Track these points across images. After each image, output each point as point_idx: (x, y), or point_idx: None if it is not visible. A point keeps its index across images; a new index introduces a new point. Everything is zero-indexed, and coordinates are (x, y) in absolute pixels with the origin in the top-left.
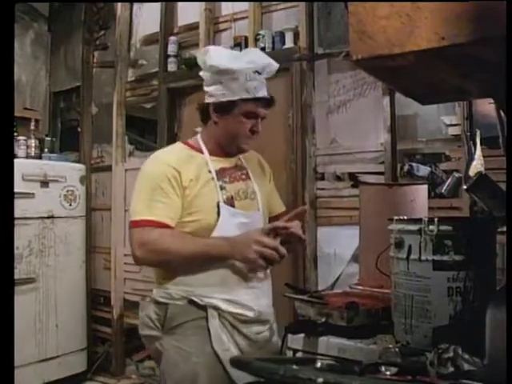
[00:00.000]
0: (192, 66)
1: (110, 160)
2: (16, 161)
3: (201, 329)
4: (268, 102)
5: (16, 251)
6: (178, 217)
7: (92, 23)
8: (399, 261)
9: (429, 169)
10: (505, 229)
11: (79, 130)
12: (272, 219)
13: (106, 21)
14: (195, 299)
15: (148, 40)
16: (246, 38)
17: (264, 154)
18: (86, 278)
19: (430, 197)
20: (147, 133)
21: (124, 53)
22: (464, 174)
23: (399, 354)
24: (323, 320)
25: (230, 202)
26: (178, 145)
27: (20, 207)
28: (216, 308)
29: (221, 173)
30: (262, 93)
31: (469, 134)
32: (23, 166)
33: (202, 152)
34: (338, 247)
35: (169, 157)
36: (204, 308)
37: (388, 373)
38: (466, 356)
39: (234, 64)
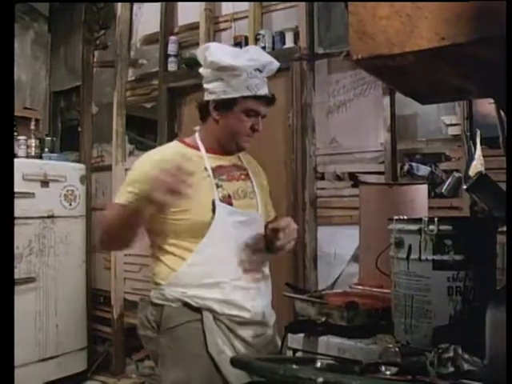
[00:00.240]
0: (192, 65)
1: (110, 160)
2: (16, 160)
3: (196, 331)
4: (269, 101)
5: (16, 251)
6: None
7: (92, 23)
8: (399, 260)
9: (429, 168)
10: (505, 229)
11: (79, 129)
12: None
13: (106, 20)
14: (189, 301)
15: (148, 40)
16: (246, 38)
17: (264, 154)
18: (86, 278)
19: (430, 196)
20: (147, 132)
21: (124, 52)
22: (464, 173)
23: (399, 353)
24: (323, 320)
25: (227, 200)
26: (174, 143)
27: (20, 207)
28: (211, 310)
29: (217, 170)
30: (264, 91)
31: (469, 133)
32: (23, 166)
33: (198, 149)
34: (338, 247)
35: (160, 154)
36: (199, 310)
37: (388, 372)
38: (466, 356)
39: (236, 61)
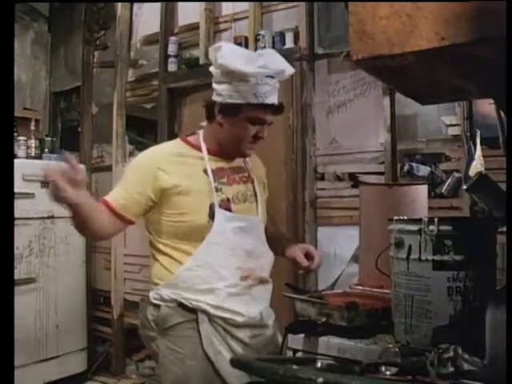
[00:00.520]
0: (192, 66)
1: (110, 160)
2: (16, 161)
3: (192, 331)
4: (276, 109)
5: (16, 251)
6: (132, 206)
7: (92, 23)
8: (399, 261)
9: (429, 169)
10: (505, 229)
11: (79, 130)
12: None
13: (106, 21)
14: (184, 302)
15: (148, 40)
16: (246, 38)
17: (264, 154)
18: (86, 278)
19: (430, 197)
20: (147, 133)
21: (124, 53)
22: (464, 174)
23: (399, 353)
24: (323, 320)
25: (226, 204)
26: (175, 141)
27: (20, 207)
28: (205, 312)
29: (218, 173)
30: (272, 99)
31: (469, 134)
32: (23, 166)
33: (200, 150)
34: (338, 247)
35: (155, 154)
36: (194, 311)
37: (388, 373)
38: (466, 356)
39: (246, 67)
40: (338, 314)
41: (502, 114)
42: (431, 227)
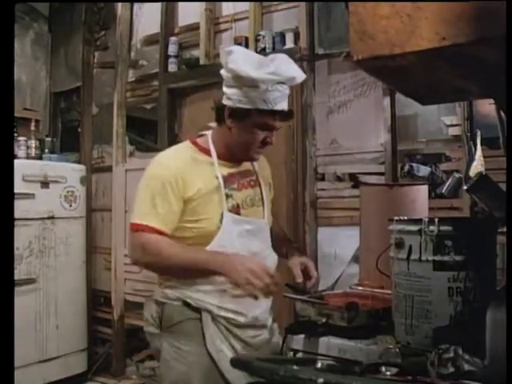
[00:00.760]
0: (192, 66)
1: (111, 160)
2: (16, 161)
3: (196, 329)
4: (286, 115)
5: (16, 252)
6: (175, 223)
7: (92, 23)
8: (399, 261)
9: (429, 169)
10: (505, 229)
11: (79, 130)
12: None
13: (106, 21)
14: (189, 301)
15: (148, 40)
16: (247, 39)
17: (264, 155)
18: (86, 279)
19: (430, 197)
20: (147, 133)
21: (124, 53)
22: (464, 174)
23: (399, 354)
24: (323, 320)
25: (236, 210)
26: (186, 145)
27: (20, 208)
28: (209, 311)
29: (228, 179)
30: (281, 106)
31: (469, 134)
32: (23, 167)
33: (209, 154)
34: (339, 248)
35: (173, 162)
36: (198, 310)
37: (388, 373)
38: (467, 356)
39: (256, 72)
40: (339, 314)
41: (502, 114)
42: (431, 228)
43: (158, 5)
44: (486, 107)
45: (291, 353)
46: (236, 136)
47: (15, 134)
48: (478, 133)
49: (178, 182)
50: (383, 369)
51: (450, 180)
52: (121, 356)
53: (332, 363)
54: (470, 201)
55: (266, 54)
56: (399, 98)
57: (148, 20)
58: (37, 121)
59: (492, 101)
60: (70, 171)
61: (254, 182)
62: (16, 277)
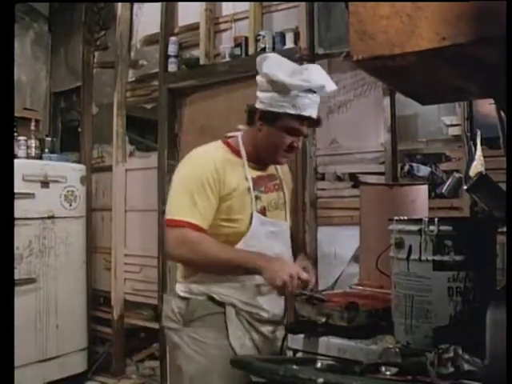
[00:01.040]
0: (192, 66)
1: (111, 160)
2: (16, 161)
3: (219, 323)
4: (313, 122)
5: (16, 251)
6: (211, 220)
7: (92, 23)
8: (399, 261)
9: (429, 169)
10: (505, 229)
11: (79, 130)
12: None
13: (106, 21)
14: (214, 296)
15: (148, 40)
16: (247, 39)
17: None
18: (86, 279)
19: (430, 197)
20: (148, 133)
21: (124, 53)
22: (464, 174)
23: (399, 354)
24: (323, 320)
25: (262, 212)
26: (218, 145)
27: (20, 207)
28: (233, 305)
29: (257, 182)
30: (309, 112)
31: (469, 134)
32: (23, 167)
33: (240, 156)
34: (339, 247)
35: (210, 159)
36: (222, 304)
37: (388, 373)
38: (466, 356)
39: (288, 78)
40: (338, 314)
41: (502, 114)
42: (431, 227)
43: (158, 5)
44: (486, 107)
45: (291, 352)
46: (265, 138)
47: (15, 134)
48: (478, 133)
49: (214, 179)
50: (383, 369)
51: (449, 180)
52: (120, 356)
53: (332, 363)
54: (470, 201)
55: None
56: (399, 97)
57: (148, 20)
58: (37, 121)
59: (492, 101)
60: (70, 171)
61: (278, 186)
62: (16, 276)
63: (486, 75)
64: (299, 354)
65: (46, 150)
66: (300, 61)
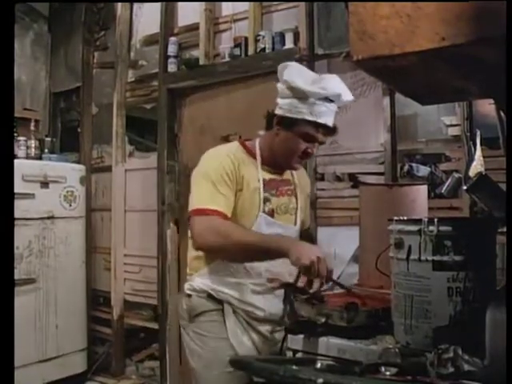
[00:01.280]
0: (192, 66)
1: (110, 160)
2: (16, 161)
3: (218, 318)
4: (329, 130)
5: (16, 251)
6: (232, 207)
7: (92, 23)
8: (399, 261)
9: (429, 169)
10: (505, 229)
11: (79, 130)
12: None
13: (106, 21)
14: (212, 293)
15: (148, 40)
16: (246, 39)
17: None
18: (86, 279)
19: (429, 197)
20: (147, 133)
21: (124, 53)
22: (464, 174)
23: (399, 354)
24: (323, 320)
25: (271, 213)
26: (235, 145)
27: (20, 208)
28: (230, 303)
29: (269, 184)
30: (325, 119)
31: (469, 134)
32: (23, 167)
33: (254, 157)
34: (338, 247)
35: (228, 156)
36: (221, 302)
37: (388, 373)
38: (466, 356)
39: (307, 86)
40: (338, 314)
41: (502, 114)
42: (431, 228)
43: (158, 5)
44: (486, 107)
45: (291, 353)
46: (281, 143)
47: (15, 134)
48: (478, 133)
49: (232, 170)
50: (383, 369)
51: (449, 180)
52: (120, 356)
53: (331, 363)
54: (469, 201)
55: (265, 54)
56: (399, 98)
57: (148, 20)
58: (36, 121)
59: (492, 101)
60: (69, 171)
61: (292, 192)
62: (16, 276)
63: (485, 75)
64: (299, 355)
65: (46, 151)
66: (300, 61)
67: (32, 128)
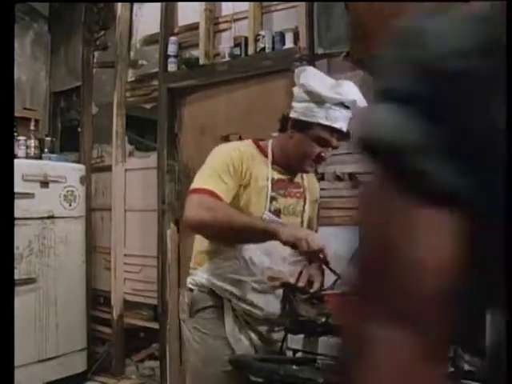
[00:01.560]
0: (192, 66)
1: (110, 160)
2: (16, 161)
3: (217, 315)
4: (343, 135)
5: (16, 251)
6: (231, 198)
7: (92, 23)
8: None
9: None
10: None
11: (79, 130)
12: None
13: (106, 21)
14: (213, 289)
15: (148, 40)
16: (246, 39)
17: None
18: (86, 278)
19: None
20: (147, 133)
21: (124, 53)
22: None
23: None
24: (323, 320)
25: (277, 213)
26: (248, 142)
27: (20, 207)
28: (229, 300)
29: (277, 184)
30: (340, 125)
31: None
32: (23, 166)
33: (266, 156)
34: (338, 247)
35: (238, 150)
36: (221, 298)
37: None
38: (466, 356)
39: (323, 90)
40: None
41: None
42: None
43: (158, 5)
44: None
45: (291, 352)
46: (294, 146)
47: (15, 134)
48: None
49: (238, 165)
50: None
51: None
52: (120, 356)
53: (331, 363)
54: None
55: (265, 54)
56: None
57: (148, 20)
58: (36, 120)
59: None
60: (69, 171)
61: (300, 195)
62: (16, 276)
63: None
64: (299, 354)
65: (46, 150)
66: (300, 61)
67: (32, 127)
